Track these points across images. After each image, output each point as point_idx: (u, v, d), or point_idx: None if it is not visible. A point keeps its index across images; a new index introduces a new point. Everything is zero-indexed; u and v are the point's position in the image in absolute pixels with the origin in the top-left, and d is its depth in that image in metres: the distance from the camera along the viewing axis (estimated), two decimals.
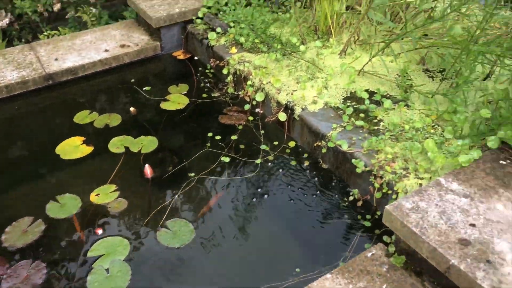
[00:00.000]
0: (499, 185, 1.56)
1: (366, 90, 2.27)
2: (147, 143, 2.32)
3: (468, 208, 1.48)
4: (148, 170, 2.13)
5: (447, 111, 2.02)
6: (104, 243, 1.80)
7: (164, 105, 2.60)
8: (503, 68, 2.08)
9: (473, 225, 1.42)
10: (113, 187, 2.06)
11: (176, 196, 2.03)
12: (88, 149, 2.27)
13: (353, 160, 1.88)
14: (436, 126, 2.00)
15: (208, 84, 2.76)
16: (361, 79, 2.37)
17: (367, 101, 2.16)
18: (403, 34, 2.17)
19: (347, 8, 2.76)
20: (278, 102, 2.31)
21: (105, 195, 2.02)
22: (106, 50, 2.90)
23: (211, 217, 1.95)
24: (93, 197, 2.00)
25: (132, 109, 2.55)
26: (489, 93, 2.00)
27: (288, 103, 2.25)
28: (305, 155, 2.21)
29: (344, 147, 1.94)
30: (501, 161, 1.67)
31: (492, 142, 1.72)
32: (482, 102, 2.07)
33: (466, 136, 1.86)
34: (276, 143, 2.29)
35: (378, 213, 1.86)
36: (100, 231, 1.85)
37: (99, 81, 2.82)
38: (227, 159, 2.20)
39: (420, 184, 1.70)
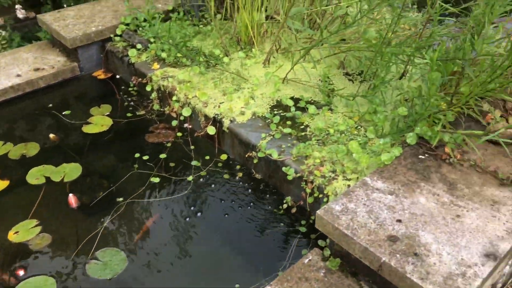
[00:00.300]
0: (420, 179, 1.64)
1: (292, 98, 2.31)
2: (70, 171, 2.19)
3: (394, 205, 1.53)
4: (72, 199, 2.00)
5: (368, 112, 2.10)
6: (26, 285, 1.66)
7: (86, 129, 2.47)
8: (415, 67, 2.20)
9: (399, 220, 1.47)
10: (34, 222, 1.91)
11: (106, 224, 1.92)
12: (3, 184, 2.10)
13: (283, 168, 1.89)
14: (359, 127, 2.07)
15: (132, 103, 2.66)
16: (286, 87, 2.41)
17: (292, 108, 2.19)
18: (320, 41, 2.23)
19: (267, 17, 2.80)
20: (206, 116, 2.28)
21: (26, 231, 1.87)
22: (18, 75, 2.72)
23: (144, 242, 1.86)
24: (12, 236, 1.84)
25: (51, 135, 2.40)
26: (404, 92, 2.11)
27: (216, 116, 2.23)
28: (238, 167, 2.19)
29: (275, 156, 1.94)
30: (420, 156, 1.76)
31: (410, 138, 1.80)
32: (399, 101, 2.18)
33: (387, 135, 1.94)
34: (207, 157, 2.25)
35: (313, 217, 1.88)
36: (21, 273, 1.71)
37: (12, 109, 2.62)
38: (157, 180, 2.12)
39: (349, 185, 1.74)
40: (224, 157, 2.25)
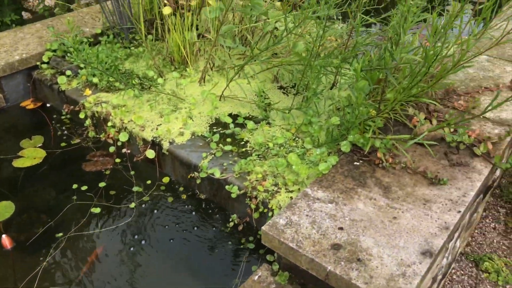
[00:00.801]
0: (357, 185, 1.71)
1: (230, 114, 2.33)
2: (2, 209, 2.06)
3: (334, 213, 1.59)
4: (6, 240, 1.89)
5: (304, 123, 2.16)
6: None
7: (17, 163, 2.34)
8: (343, 78, 2.31)
9: (341, 228, 1.53)
10: None
11: (45, 263, 1.83)
12: None
13: (227, 187, 1.90)
14: (297, 138, 2.13)
15: (66, 132, 2.56)
16: (223, 104, 2.43)
17: (231, 125, 2.21)
18: (251, 57, 2.27)
19: (199, 36, 2.82)
20: (144, 140, 2.24)
21: None
22: None
23: (89, 278, 1.79)
24: None
25: None
26: (336, 101, 2.20)
27: (155, 139, 2.20)
28: (181, 188, 2.17)
29: (217, 175, 1.95)
30: (355, 162, 1.84)
31: (344, 146, 1.88)
32: (332, 110, 2.27)
33: (323, 144, 2.01)
34: (149, 182, 2.21)
35: (260, 233, 1.90)
36: None
37: None
38: (97, 210, 2.05)
39: (291, 197, 1.78)
40: (166, 179, 2.22)
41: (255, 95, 2.51)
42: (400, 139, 1.86)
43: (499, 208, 2.87)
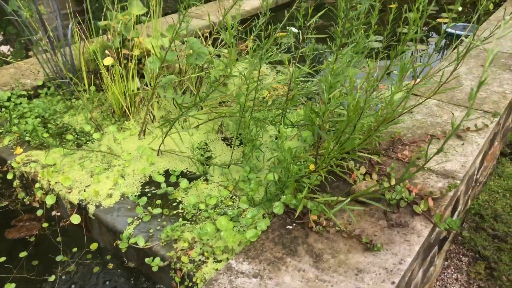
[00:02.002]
0: (287, 254, 1.57)
1: (166, 171, 2.19)
2: None
3: None
4: None
5: (241, 179, 2.03)
6: None
7: None
8: (283, 131, 2.19)
9: None
10: None
11: None
12: None
13: (146, 259, 1.73)
14: (234, 197, 1.99)
15: None
16: (160, 159, 2.29)
17: (163, 185, 2.07)
18: (187, 108, 2.15)
19: (146, 85, 2.71)
20: (71, 203, 2.08)
21: None
22: None
23: None
24: None
25: None
26: (274, 156, 2.08)
27: (81, 202, 2.03)
28: (109, 256, 1.99)
29: (141, 243, 1.78)
30: (288, 226, 1.70)
31: (277, 208, 1.74)
32: (273, 163, 2.15)
33: (259, 204, 1.88)
34: (75, 249, 2.03)
35: None
36: None
37: None
38: (12, 286, 1.86)
39: (217, 269, 1.63)
40: (94, 246, 2.04)
41: (197, 147, 2.39)
42: (332, 200, 1.73)
43: (461, 256, 2.74)
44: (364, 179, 1.90)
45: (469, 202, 2.79)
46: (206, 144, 2.40)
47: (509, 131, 3.50)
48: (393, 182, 1.85)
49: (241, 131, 2.37)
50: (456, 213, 2.38)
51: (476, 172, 2.56)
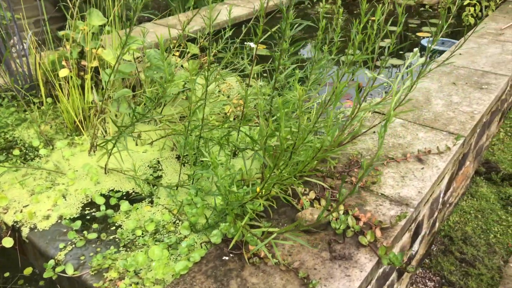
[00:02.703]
0: None
1: (111, 191, 2.08)
2: None
3: None
4: None
5: (187, 202, 1.92)
6: None
7: None
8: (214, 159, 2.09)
9: None
10: None
11: None
12: None
13: None
14: (178, 221, 1.88)
15: None
16: (108, 178, 2.18)
17: (103, 207, 1.95)
18: (131, 123, 2.05)
19: (94, 101, 2.61)
20: (6, 224, 1.96)
21: None
22: None
23: None
24: None
25: None
26: (221, 178, 1.97)
27: (15, 224, 1.92)
28: (42, 283, 1.88)
29: (70, 272, 1.67)
30: (224, 257, 1.59)
31: (215, 237, 1.63)
32: (223, 186, 2.04)
33: (201, 230, 1.77)
34: (7, 274, 1.92)
35: None
36: None
37: None
38: None
39: None
40: (29, 271, 1.93)
41: (148, 166, 2.28)
42: (277, 229, 1.63)
43: (427, 281, 2.64)
44: (312, 205, 1.80)
45: (437, 224, 2.69)
46: (158, 162, 2.29)
47: (484, 149, 3.41)
48: (341, 210, 1.75)
49: (180, 152, 2.27)
50: (419, 238, 2.28)
51: (442, 194, 2.46)
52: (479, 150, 3.16)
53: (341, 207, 1.76)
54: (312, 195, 1.83)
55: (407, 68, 1.08)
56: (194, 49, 3.05)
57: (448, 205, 2.82)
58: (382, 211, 1.77)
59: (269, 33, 1.98)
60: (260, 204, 1.72)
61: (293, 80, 2.03)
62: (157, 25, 4.25)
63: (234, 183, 1.69)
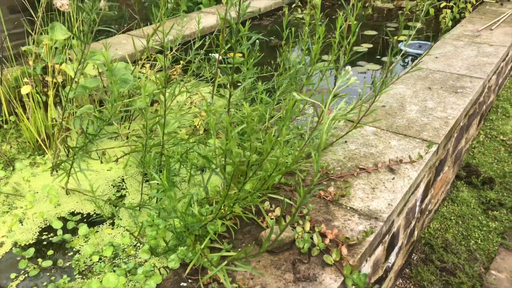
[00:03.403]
0: None
1: (72, 213, 1.99)
2: None
3: None
4: None
5: (148, 224, 1.84)
6: None
7: None
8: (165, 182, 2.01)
9: None
10: None
11: None
12: None
13: None
14: (139, 244, 1.80)
15: None
16: (69, 199, 2.09)
17: (60, 232, 1.86)
18: (88, 141, 1.96)
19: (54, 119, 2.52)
20: None
21: None
22: None
23: None
24: None
25: None
26: (177, 199, 1.88)
27: None
28: None
29: None
30: (182, 283, 1.50)
31: (172, 262, 1.55)
32: (189, 204, 1.96)
33: (161, 254, 1.68)
34: None
35: None
36: None
37: None
38: None
39: None
40: None
41: (112, 185, 2.19)
42: (238, 252, 1.55)
43: None
44: (277, 222, 1.72)
45: (416, 233, 2.63)
46: (123, 180, 2.20)
47: (464, 153, 3.37)
48: (307, 226, 1.68)
49: (154, 168, 2.18)
50: (396, 249, 2.22)
51: (419, 203, 2.40)
52: (458, 154, 3.11)
53: (308, 224, 1.69)
54: (278, 211, 1.76)
55: (340, 86, 1.02)
56: (164, 60, 2.97)
57: (427, 212, 2.77)
58: (350, 226, 1.70)
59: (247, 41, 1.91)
60: (222, 224, 1.64)
61: (259, 93, 1.96)
62: (132, 36, 4.17)
63: (194, 202, 1.61)
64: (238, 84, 3.39)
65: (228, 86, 1.56)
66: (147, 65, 3.08)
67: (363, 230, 1.67)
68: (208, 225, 1.61)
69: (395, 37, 1.70)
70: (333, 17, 5.54)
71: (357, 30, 1.60)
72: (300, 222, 1.71)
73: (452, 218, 2.99)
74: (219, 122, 2.24)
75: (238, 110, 2.27)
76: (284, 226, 1.62)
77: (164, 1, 1.60)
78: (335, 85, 1.15)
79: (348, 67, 0.83)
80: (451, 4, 4.57)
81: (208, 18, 4.73)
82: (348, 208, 1.81)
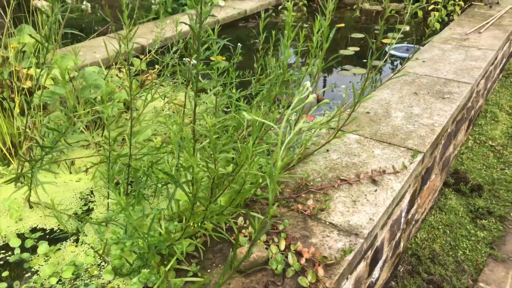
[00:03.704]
0: None
1: (34, 228, 1.86)
2: None
3: None
4: None
5: (114, 242, 1.71)
6: None
7: None
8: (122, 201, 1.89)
9: None
10: None
11: None
12: None
13: None
14: (104, 263, 1.67)
15: None
16: (32, 213, 1.96)
17: (17, 250, 1.73)
18: (47, 151, 1.83)
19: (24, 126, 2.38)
20: None
21: None
22: None
23: None
24: None
25: None
26: (138, 218, 1.76)
27: None
28: None
29: None
30: None
31: (135, 286, 1.43)
32: (157, 221, 1.84)
33: (126, 275, 1.56)
34: None
35: None
36: None
37: None
38: None
39: None
40: None
41: (79, 197, 2.06)
42: (205, 275, 1.43)
43: None
44: (251, 240, 1.60)
45: (402, 244, 2.53)
46: (91, 192, 2.08)
47: (452, 159, 3.28)
48: (282, 245, 1.57)
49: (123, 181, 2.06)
50: (380, 263, 2.11)
51: (405, 214, 2.30)
52: (446, 161, 3.03)
53: (283, 242, 1.57)
54: (252, 228, 1.64)
55: (296, 106, 0.91)
56: (140, 64, 2.85)
57: (414, 222, 2.67)
58: (329, 244, 1.59)
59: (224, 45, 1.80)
60: (190, 244, 1.52)
61: (233, 100, 1.85)
62: (111, 38, 4.04)
63: (159, 220, 1.50)
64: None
65: (193, 97, 1.44)
66: (124, 69, 2.95)
67: (342, 249, 1.56)
68: (175, 245, 1.49)
69: (375, 41, 1.60)
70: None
71: (330, 36, 1.49)
72: (276, 239, 1.60)
73: (440, 227, 2.89)
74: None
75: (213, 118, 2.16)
76: (261, 243, 1.50)
77: (125, 4, 1.48)
78: (324, 86, 1.04)
79: (307, 83, 0.72)
80: (439, 6, 4.49)
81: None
82: (327, 223, 1.70)
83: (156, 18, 4.90)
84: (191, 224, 1.40)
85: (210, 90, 2.79)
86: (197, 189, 1.26)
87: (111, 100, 2.50)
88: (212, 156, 1.21)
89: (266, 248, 1.55)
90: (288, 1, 5.34)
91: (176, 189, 1.41)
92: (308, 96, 0.70)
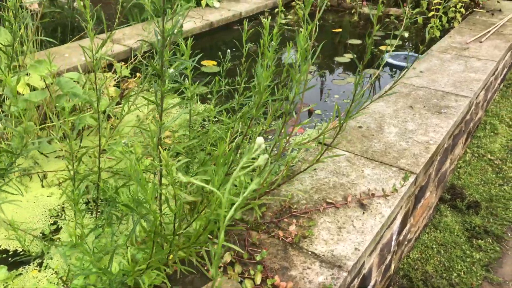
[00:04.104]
0: None
1: None
2: None
3: None
4: None
5: (77, 269, 1.59)
6: None
7: None
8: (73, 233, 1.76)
9: None
10: None
11: None
12: None
13: None
14: None
15: None
16: None
17: None
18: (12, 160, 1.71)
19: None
20: None
21: None
22: None
23: None
24: None
25: None
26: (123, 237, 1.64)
27: None
28: None
29: None
30: None
31: None
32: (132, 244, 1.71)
33: None
34: None
35: None
36: None
37: None
38: None
39: None
40: None
41: (50, 215, 1.94)
42: None
43: None
44: (225, 271, 1.48)
45: (393, 265, 2.41)
46: (63, 209, 1.95)
47: (449, 174, 3.16)
48: (258, 278, 1.44)
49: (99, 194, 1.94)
50: None
51: (396, 236, 2.18)
52: (441, 176, 2.90)
53: (259, 275, 1.45)
54: (227, 257, 1.52)
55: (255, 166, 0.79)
56: (123, 70, 2.72)
57: (406, 242, 2.55)
58: (309, 277, 1.47)
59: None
60: (156, 276, 1.40)
61: (211, 115, 1.73)
62: (100, 40, 3.90)
63: (133, 243, 1.37)
64: (209, 97, 3.15)
65: (159, 123, 1.31)
66: (107, 74, 2.83)
67: (323, 284, 1.43)
68: (144, 275, 1.37)
69: (363, 61, 1.47)
70: (318, 24, 5.32)
71: (318, 52, 1.36)
72: (252, 272, 1.48)
73: (434, 246, 2.77)
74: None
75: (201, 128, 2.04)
76: (235, 275, 1.38)
77: (89, 15, 1.35)
78: (321, 94, 0.90)
79: (260, 139, 0.60)
80: (439, 13, 4.36)
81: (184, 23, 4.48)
82: (309, 253, 1.57)
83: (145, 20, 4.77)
84: (154, 260, 1.28)
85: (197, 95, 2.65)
86: (159, 223, 1.14)
87: (90, 109, 2.38)
88: (175, 189, 1.09)
89: (240, 282, 1.43)
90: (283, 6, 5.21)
91: (139, 219, 1.29)
92: (259, 156, 0.57)
